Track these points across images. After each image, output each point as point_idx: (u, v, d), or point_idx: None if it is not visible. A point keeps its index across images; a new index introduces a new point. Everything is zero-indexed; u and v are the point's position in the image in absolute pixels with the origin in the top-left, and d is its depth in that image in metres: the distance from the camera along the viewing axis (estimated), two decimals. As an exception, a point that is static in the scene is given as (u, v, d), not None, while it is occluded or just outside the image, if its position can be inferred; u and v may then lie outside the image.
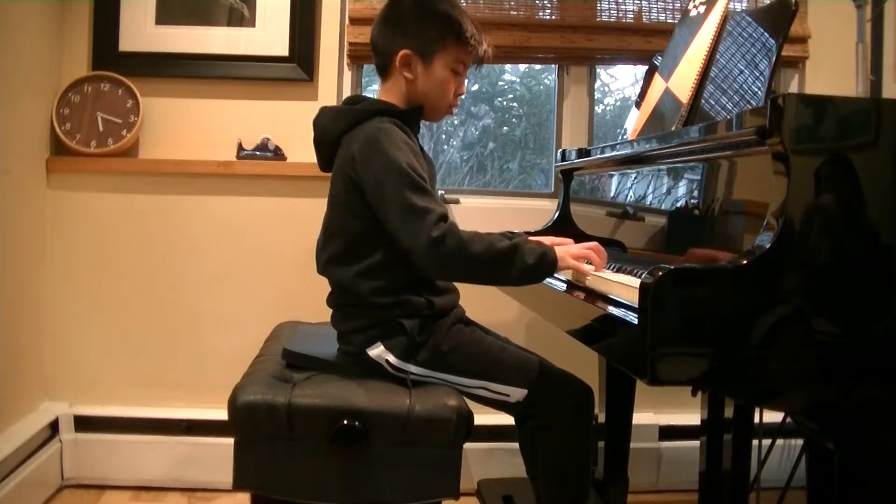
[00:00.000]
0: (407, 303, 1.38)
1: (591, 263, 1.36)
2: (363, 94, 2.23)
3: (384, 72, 1.49)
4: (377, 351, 1.39)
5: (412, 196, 1.30)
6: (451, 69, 1.46)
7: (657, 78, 1.72)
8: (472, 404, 1.36)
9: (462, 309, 1.52)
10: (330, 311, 1.48)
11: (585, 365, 1.67)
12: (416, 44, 1.44)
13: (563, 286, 1.44)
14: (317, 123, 1.48)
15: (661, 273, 0.97)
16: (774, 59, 1.33)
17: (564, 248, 1.37)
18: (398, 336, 1.38)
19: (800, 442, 1.84)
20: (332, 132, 1.44)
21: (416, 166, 1.35)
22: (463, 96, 1.51)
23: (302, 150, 2.14)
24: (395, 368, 1.38)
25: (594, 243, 1.41)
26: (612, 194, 1.71)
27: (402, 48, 1.44)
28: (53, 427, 2.10)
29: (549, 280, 1.49)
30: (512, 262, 1.30)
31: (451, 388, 1.38)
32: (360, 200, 1.37)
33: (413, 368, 1.38)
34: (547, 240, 1.47)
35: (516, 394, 1.38)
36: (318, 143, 1.48)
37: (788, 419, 1.75)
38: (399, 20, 1.46)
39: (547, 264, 1.32)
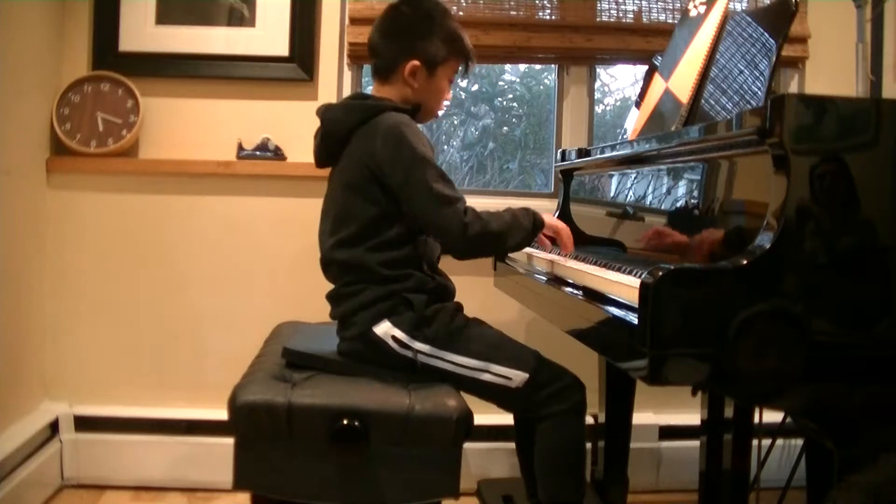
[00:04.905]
0: (413, 276, 1.44)
1: (557, 246, 1.53)
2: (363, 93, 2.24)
3: (385, 75, 1.53)
4: (383, 328, 1.40)
5: (442, 187, 1.40)
6: (448, 79, 1.56)
7: (657, 78, 1.72)
8: (472, 404, 1.36)
9: (460, 304, 1.53)
10: (330, 309, 1.49)
11: (585, 365, 1.66)
12: (427, 57, 1.51)
13: (564, 286, 1.44)
14: (326, 118, 1.51)
15: (661, 273, 0.97)
16: (774, 59, 1.33)
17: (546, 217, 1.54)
18: (405, 312, 1.41)
19: (800, 442, 1.84)
20: (344, 126, 1.47)
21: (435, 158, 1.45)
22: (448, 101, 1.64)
23: (302, 150, 2.14)
24: (400, 345, 1.39)
25: (565, 227, 1.58)
26: (611, 194, 1.71)
27: (411, 59, 1.49)
28: (53, 427, 2.10)
29: (548, 280, 1.49)
30: (516, 230, 1.46)
31: (450, 387, 1.38)
32: (380, 189, 1.43)
33: (419, 345, 1.40)
34: None
35: (518, 377, 1.39)
36: (327, 136, 1.51)
37: (788, 419, 1.75)
38: (408, 31, 1.52)
39: (539, 224, 1.51)
